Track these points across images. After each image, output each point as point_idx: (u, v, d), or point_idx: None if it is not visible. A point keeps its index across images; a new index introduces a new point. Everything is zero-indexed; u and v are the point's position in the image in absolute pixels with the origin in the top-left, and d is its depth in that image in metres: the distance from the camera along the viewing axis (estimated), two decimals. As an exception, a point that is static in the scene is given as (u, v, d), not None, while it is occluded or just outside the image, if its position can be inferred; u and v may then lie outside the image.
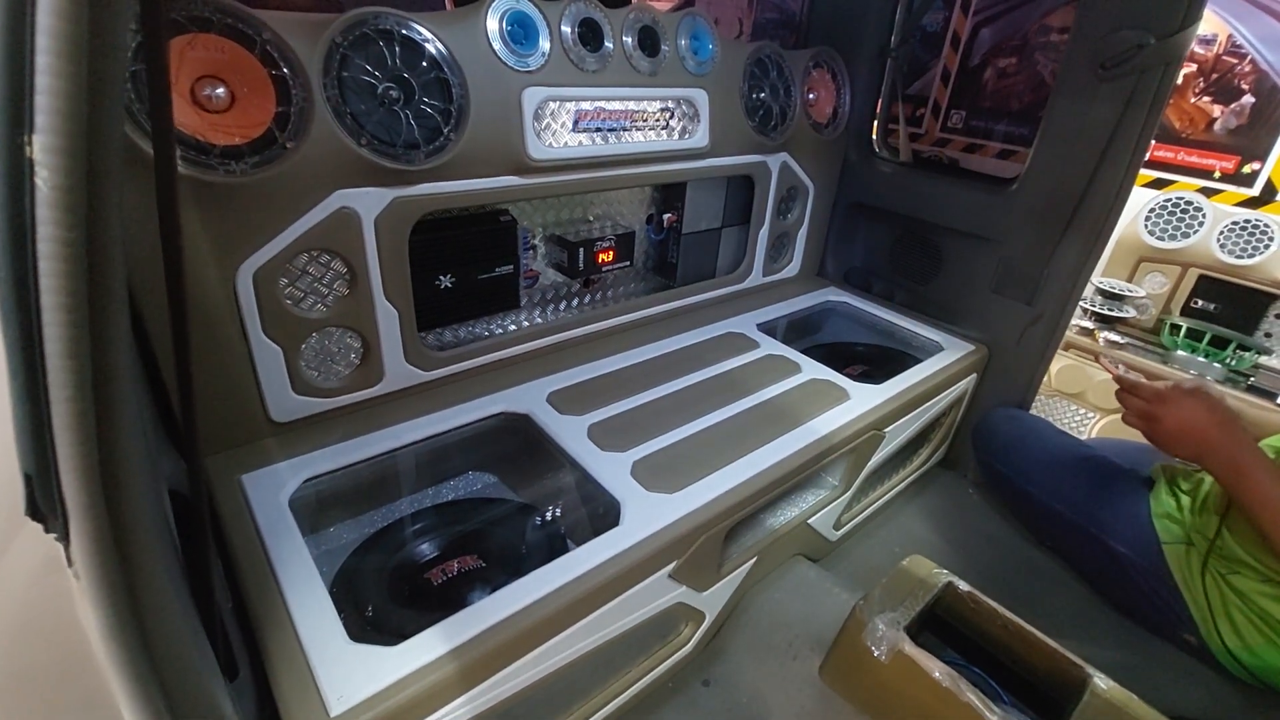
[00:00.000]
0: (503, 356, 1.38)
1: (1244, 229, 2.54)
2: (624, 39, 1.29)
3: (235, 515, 0.96)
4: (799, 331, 1.91)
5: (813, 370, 1.49)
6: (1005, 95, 3.47)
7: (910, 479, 1.72)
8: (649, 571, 0.98)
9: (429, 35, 1.05)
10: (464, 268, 1.27)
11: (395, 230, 1.11)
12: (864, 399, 1.40)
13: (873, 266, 2.00)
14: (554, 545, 1.12)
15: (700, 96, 1.44)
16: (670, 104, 1.40)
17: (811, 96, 1.71)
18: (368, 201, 1.06)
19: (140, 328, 0.93)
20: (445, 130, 1.09)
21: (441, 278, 1.25)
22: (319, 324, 1.10)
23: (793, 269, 1.98)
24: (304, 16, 0.96)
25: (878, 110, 1.89)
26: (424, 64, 1.05)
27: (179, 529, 0.69)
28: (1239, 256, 2.54)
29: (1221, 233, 2.54)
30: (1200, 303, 2.67)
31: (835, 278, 2.07)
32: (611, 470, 1.11)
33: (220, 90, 0.90)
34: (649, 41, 1.33)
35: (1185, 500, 1.32)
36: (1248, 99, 2.53)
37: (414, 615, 0.97)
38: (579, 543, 0.97)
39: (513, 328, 1.47)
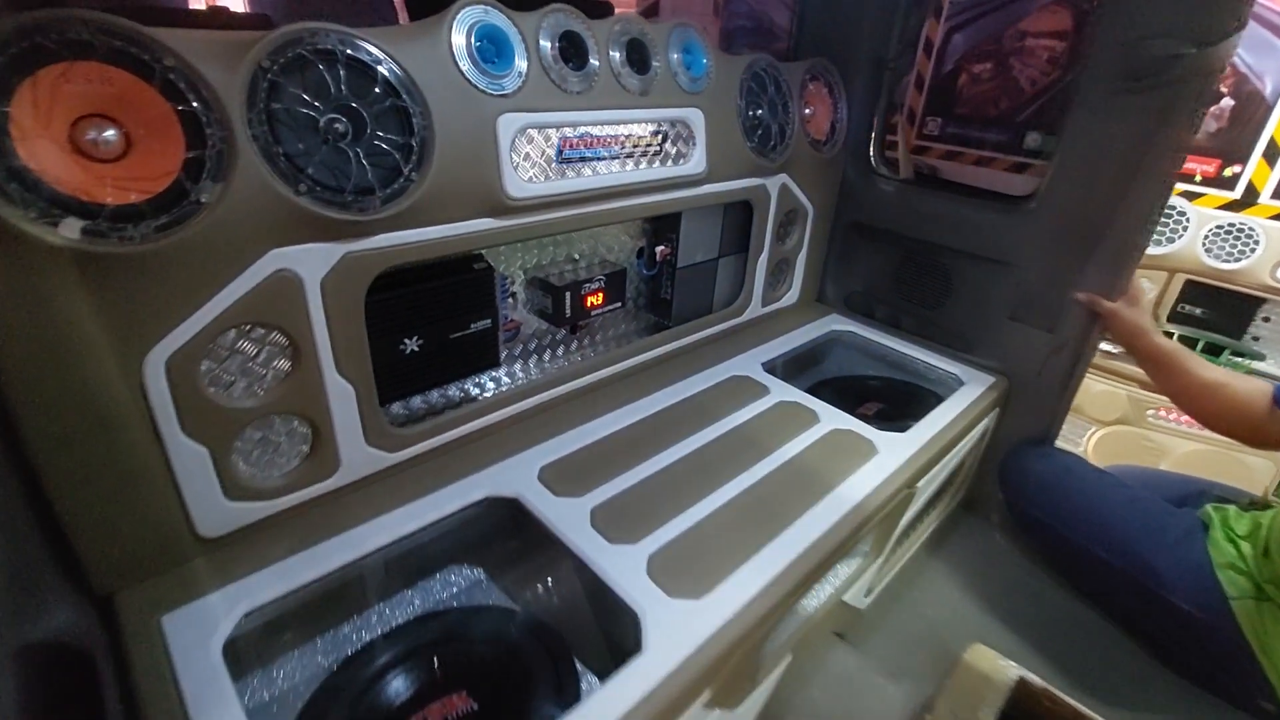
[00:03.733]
0: (482, 425, 1.18)
1: (1229, 233, 2.50)
2: (610, 54, 1.12)
3: (151, 673, 0.75)
4: (806, 367, 1.75)
5: (832, 419, 1.33)
6: (981, 102, 3.41)
7: (931, 527, 1.58)
8: (682, 706, 0.80)
9: (381, 55, 0.85)
10: (434, 326, 1.07)
11: (347, 292, 0.91)
12: (893, 451, 1.24)
13: (875, 291, 1.86)
14: (562, 674, 0.92)
15: (695, 117, 1.27)
16: (664, 126, 1.23)
17: (808, 112, 1.57)
18: (311, 261, 0.86)
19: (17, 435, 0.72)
20: (405, 169, 0.89)
21: (407, 341, 1.05)
22: (255, 414, 0.89)
23: (792, 297, 1.83)
24: (219, 36, 0.75)
25: (874, 124, 1.75)
26: (377, 90, 0.85)
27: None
28: (1225, 260, 2.50)
29: (1206, 237, 2.50)
30: (1187, 308, 2.62)
31: (836, 303, 1.93)
32: (624, 569, 0.92)
33: (110, 133, 0.69)
34: (638, 56, 1.15)
35: (1245, 547, 1.19)
36: (1227, 101, 2.49)
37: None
38: (592, 666, 0.78)
39: (492, 389, 1.27)
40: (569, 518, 1.01)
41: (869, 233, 1.82)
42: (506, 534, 1.12)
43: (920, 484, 1.27)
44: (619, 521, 1.01)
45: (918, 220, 1.68)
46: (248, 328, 0.85)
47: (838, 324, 1.79)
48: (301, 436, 0.96)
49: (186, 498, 0.86)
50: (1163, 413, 2.60)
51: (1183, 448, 2.56)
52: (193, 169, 0.73)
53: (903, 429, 1.35)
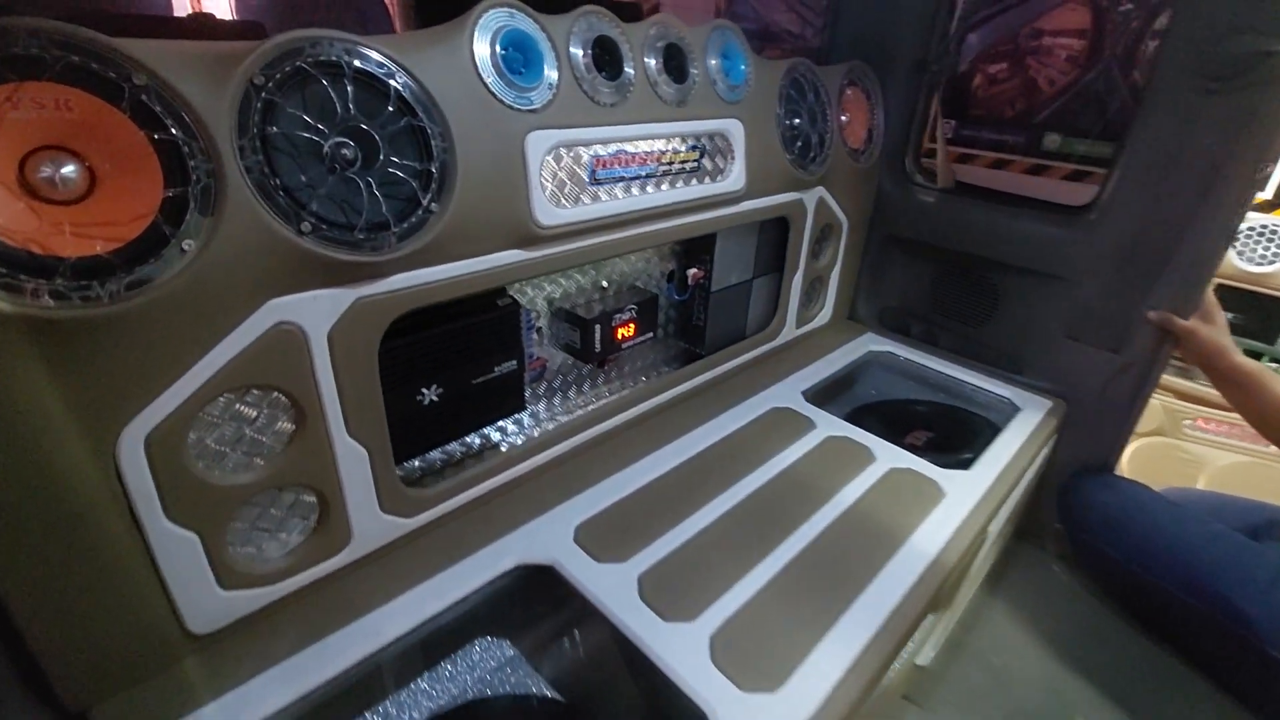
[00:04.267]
0: (508, 479, 1.05)
1: (1261, 235, 2.41)
2: (646, 61, 0.99)
3: None
4: (847, 393, 1.63)
5: (887, 455, 1.21)
6: (997, 102, 3.31)
7: (989, 563, 1.46)
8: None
9: (394, 67, 0.72)
10: (455, 372, 0.94)
11: (358, 344, 0.78)
12: (961, 492, 1.13)
13: (911, 307, 1.74)
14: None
15: (734, 128, 1.15)
16: (701, 140, 1.11)
17: (844, 119, 1.45)
18: (316, 311, 0.73)
19: None
20: (424, 199, 0.77)
21: (425, 390, 0.92)
22: (253, 489, 0.76)
23: (825, 316, 1.71)
24: (203, 48, 0.63)
25: (911, 131, 1.63)
26: (390, 108, 0.72)
27: None
28: (1257, 263, 2.41)
29: (1238, 239, 2.41)
30: (1220, 313, 2.52)
31: (869, 321, 1.81)
32: (685, 655, 0.80)
33: (69, 169, 0.56)
34: (675, 63, 1.03)
35: (1347, 589, 1.08)
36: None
37: None
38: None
39: (517, 436, 1.14)
40: (614, 588, 0.88)
41: (904, 246, 1.70)
42: (541, 604, 1.00)
43: (992, 526, 1.15)
44: (672, 592, 0.88)
45: (959, 232, 1.57)
46: (241, 391, 0.72)
47: (875, 344, 1.67)
48: (307, 507, 0.83)
49: (174, 591, 0.73)
50: (1200, 423, 2.50)
51: (1221, 460, 2.45)
52: (173, 210, 0.60)
53: (963, 463, 1.24)
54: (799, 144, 1.30)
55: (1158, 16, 2.87)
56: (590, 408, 1.22)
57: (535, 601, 0.99)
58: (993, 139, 3.28)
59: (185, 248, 0.61)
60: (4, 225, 0.53)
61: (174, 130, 0.59)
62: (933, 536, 1.02)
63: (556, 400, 1.24)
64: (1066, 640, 1.35)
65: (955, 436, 1.45)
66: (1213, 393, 2.16)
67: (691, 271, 1.32)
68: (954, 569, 0.99)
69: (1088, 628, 1.38)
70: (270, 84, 0.64)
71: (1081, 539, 1.41)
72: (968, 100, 3.31)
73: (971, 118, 3.35)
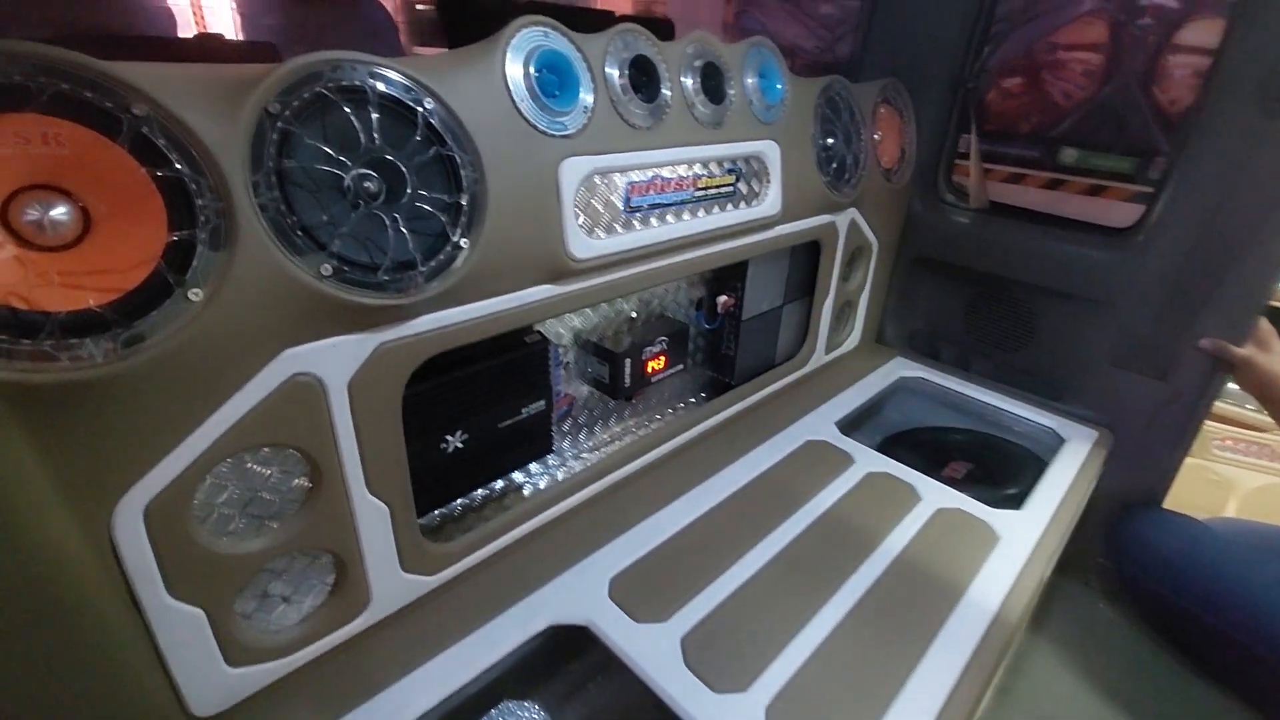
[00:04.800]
0: (534, 527, 0.97)
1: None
2: (683, 81, 0.93)
3: None
4: (876, 419, 1.56)
5: (933, 494, 1.14)
6: (1012, 117, 3.27)
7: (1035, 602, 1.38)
8: None
9: (421, 92, 0.66)
10: (481, 416, 0.87)
11: (381, 394, 0.71)
12: (1016, 535, 1.06)
13: (941, 330, 1.68)
14: None
15: (770, 151, 1.09)
16: (738, 164, 1.04)
17: (876, 138, 1.39)
18: (335, 360, 0.66)
19: None
20: (454, 235, 0.70)
21: (449, 438, 0.85)
22: (264, 557, 0.68)
23: (853, 340, 1.64)
24: (211, 73, 0.56)
25: (944, 150, 1.57)
26: (417, 137, 0.65)
27: None
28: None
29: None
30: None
31: (898, 344, 1.74)
32: None
33: (60, 211, 0.49)
34: (713, 83, 0.97)
35: None
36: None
37: None
38: None
39: (541, 477, 1.07)
40: (656, 653, 0.81)
41: (935, 267, 1.63)
42: (575, 667, 0.92)
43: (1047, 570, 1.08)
44: (720, 657, 0.81)
45: (994, 254, 1.50)
46: (253, 451, 0.65)
47: (905, 369, 1.60)
48: (322, 569, 0.76)
49: (176, 673, 0.66)
50: (1229, 443, 2.43)
51: (1253, 482, 2.38)
52: (178, 255, 0.53)
53: (1011, 500, 1.17)
54: (834, 165, 1.23)
55: (1178, 30, 2.84)
56: (617, 445, 1.14)
57: (568, 664, 0.91)
58: (1007, 153, 3.24)
59: (192, 297, 0.54)
60: (-17, 278, 0.46)
61: (179, 165, 0.52)
62: (992, 587, 0.95)
63: (581, 437, 1.16)
64: (1121, 686, 1.27)
65: (996, 468, 1.38)
66: (1243, 412, 2.10)
67: (721, 299, 1.25)
68: (1021, 620, 0.91)
69: (1144, 672, 1.31)
70: (287, 112, 0.57)
71: (1134, 578, 1.34)
72: (982, 115, 3.27)
73: (985, 132, 3.33)
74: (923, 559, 0.99)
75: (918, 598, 0.92)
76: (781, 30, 2.63)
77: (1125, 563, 1.35)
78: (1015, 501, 1.16)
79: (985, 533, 1.06)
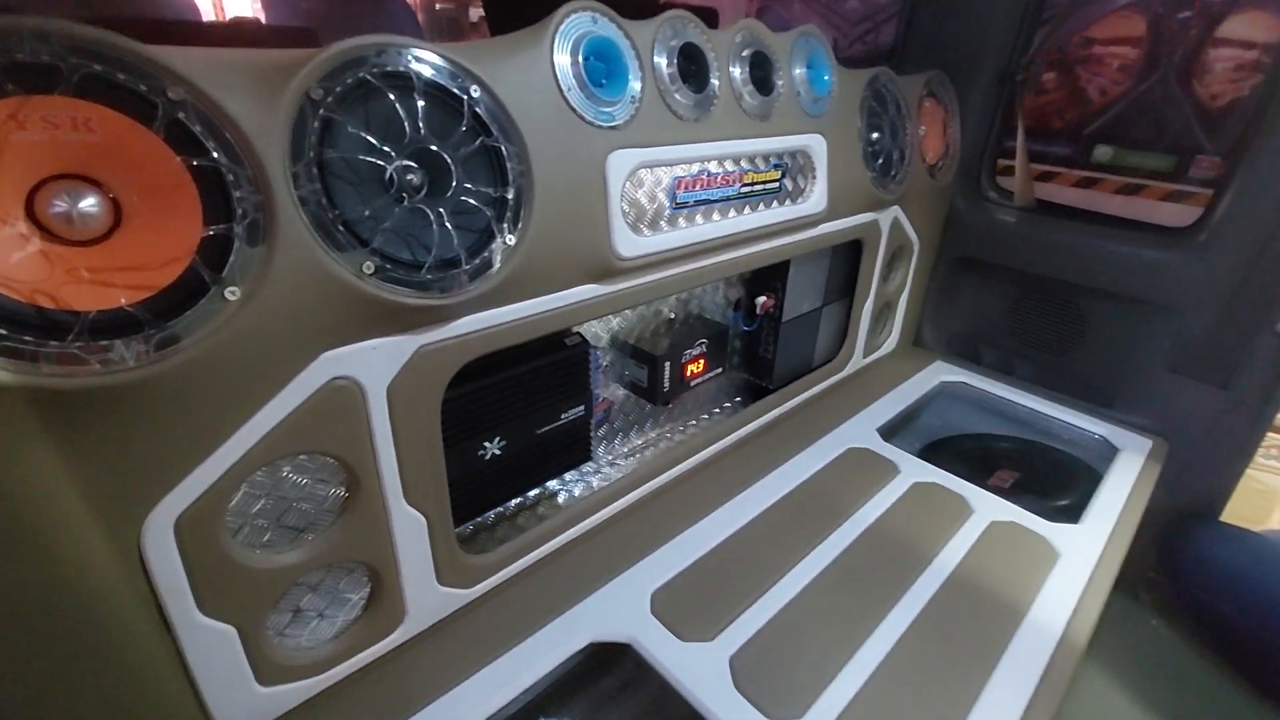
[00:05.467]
0: (572, 537, 0.93)
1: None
2: (731, 71, 0.88)
3: None
4: (915, 424, 1.51)
5: (986, 505, 1.09)
6: (1044, 113, 3.18)
7: None
8: None
9: (468, 78, 0.62)
10: (520, 422, 0.83)
11: (421, 398, 0.67)
12: (1077, 552, 1.00)
13: (983, 333, 1.61)
14: None
15: (817, 145, 1.04)
16: (784, 159, 0.99)
17: (921, 132, 1.33)
18: (375, 363, 0.62)
19: None
20: (499, 231, 0.66)
21: (487, 445, 0.81)
22: (299, 571, 0.64)
23: (891, 343, 1.59)
24: (249, 57, 0.52)
25: (988, 146, 1.51)
26: (463, 127, 0.61)
27: None
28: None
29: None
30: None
31: (937, 347, 1.68)
32: None
33: (89, 202, 0.45)
34: (761, 74, 0.92)
35: None
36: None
37: None
38: None
39: (575, 483, 1.03)
40: (704, 675, 0.76)
41: (977, 268, 1.58)
42: (615, 685, 0.88)
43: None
44: (772, 679, 0.76)
45: (1042, 254, 1.44)
46: (289, 459, 0.61)
47: (946, 373, 1.55)
48: (357, 583, 0.72)
49: (206, 693, 0.62)
50: (1275, 452, 2.34)
51: (1301, 492, 2.29)
52: (214, 251, 0.49)
53: (1066, 513, 1.11)
54: (880, 160, 1.18)
55: (1220, 23, 2.74)
56: (654, 452, 1.10)
57: (604, 679, 0.87)
58: (1037, 151, 3.15)
59: (229, 296, 0.50)
60: (7, 275, 0.42)
61: (216, 155, 0.49)
62: (1055, 608, 0.90)
63: (616, 442, 1.12)
64: (1174, 706, 1.20)
65: (1046, 478, 1.32)
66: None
67: (761, 300, 1.20)
68: (1087, 643, 0.86)
69: (1199, 692, 1.24)
70: (330, 98, 0.54)
71: (1191, 594, 1.27)
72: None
73: (1010, 143, 3.26)
74: (979, 576, 0.94)
75: (977, 619, 0.87)
76: (804, 24, 2.57)
77: (1181, 578, 1.29)
78: (1068, 513, 1.11)
79: (1044, 548, 1.00)
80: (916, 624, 0.85)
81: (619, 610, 0.85)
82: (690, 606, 0.85)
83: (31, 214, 0.44)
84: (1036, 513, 1.08)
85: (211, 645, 0.60)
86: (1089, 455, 1.34)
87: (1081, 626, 0.87)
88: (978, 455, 1.40)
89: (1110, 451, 1.30)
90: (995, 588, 0.92)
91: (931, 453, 1.40)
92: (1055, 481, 1.30)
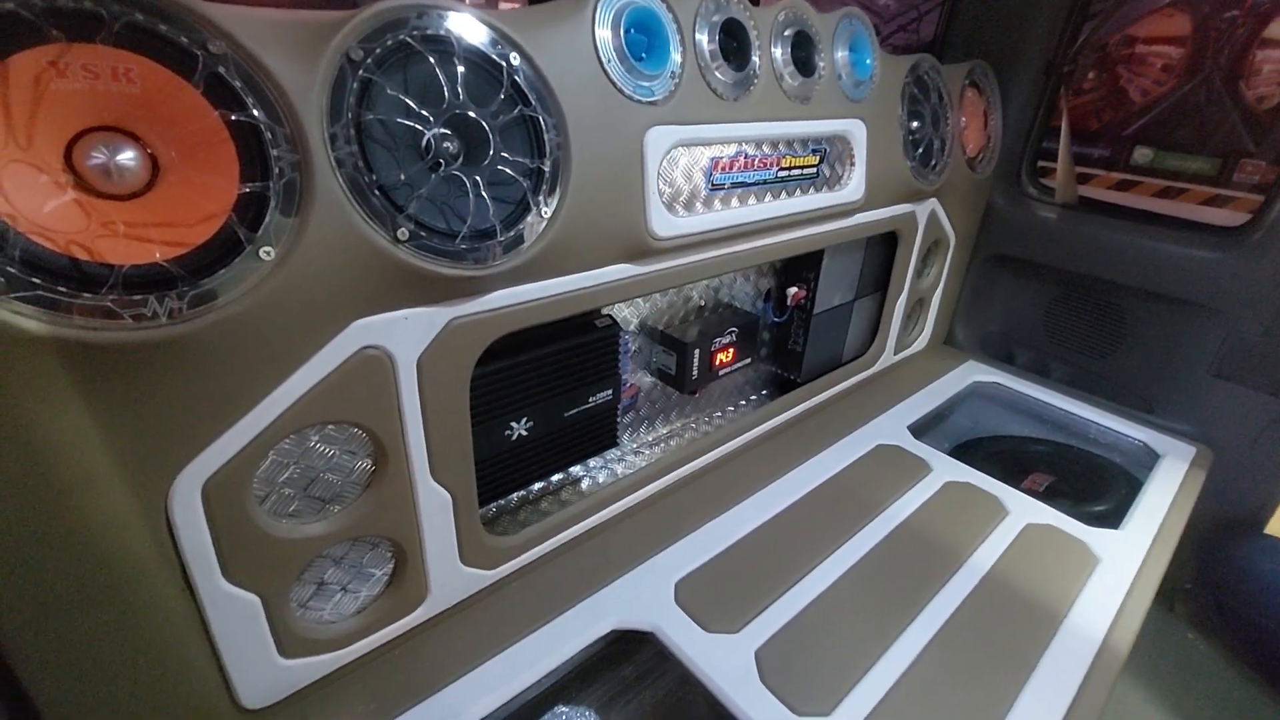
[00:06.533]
0: (596, 523, 0.92)
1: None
2: (772, 51, 0.86)
3: None
4: (944, 425, 1.47)
5: (1022, 507, 1.05)
6: (1081, 114, 3.10)
7: None
8: None
9: (507, 46, 0.60)
10: (548, 403, 0.82)
11: (450, 372, 0.66)
12: (1118, 558, 0.96)
13: (1018, 334, 1.57)
14: None
15: (857, 130, 1.01)
16: (823, 144, 0.97)
17: (962, 124, 1.30)
18: (406, 334, 0.61)
19: None
20: (535, 203, 0.64)
21: (514, 425, 0.79)
22: (325, 542, 0.64)
23: (923, 341, 1.55)
24: (288, 15, 0.51)
25: (1029, 140, 1.47)
26: (501, 95, 0.60)
27: None
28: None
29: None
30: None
31: (969, 347, 1.64)
32: None
33: (127, 156, 0.44)
34: (803, 54, 0.90)
35: None
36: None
37: None
38: None
39: (599, 470, 1.01)
40: (729, 667, 0.74)
41: (1013, 265, 1.53)
42: (636, 674, 0.86)
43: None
44: (799, 675, 0.74)
45: (1083, 252, 1.40)
46: (318, 428, 0.60)
47: (979, 373, 1.51)
48: (380, 559, 0.71)
49: (227, 661, 0.61)
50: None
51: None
52: (250, 209, 0.48)
53: (1105, 518, 1.07)
54: (919, 150, 1.15)
55: (1268, 24, 2.65)
56: (680, 441, 1.08)
57: (629, 669, 0.86)
58: (1076, 152, 3.07)
59: (264, 255, 0.49)
60: (44, 224, 0.42)
61: (256, 112, 0.48)
62: (1095, 615, 0.86)
63: (642, 430, 1.11)
64: (1214, 723, 1.16)
65: (1081, 483, 1.28)
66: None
67: (792, 291, 1.18)
68: (1128, 653, 0.83)
69: (1238, 708, 1.20)
70: (369, 59, 0.53)
71: (1233, 608, 1.22)
72: (1050, 111, 3.13)
73: (1052, 128, 3.20)
74: (1014, 579, 0.91)
75: (1012, 623, 0.84)
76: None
77: (1222, 590, 1.24)
78: (1105, 520, 1.07)
79: (1082, 553, 0.97)
80: (949, 625, 0.83)
81: (642, 598, 0.83)
82: (715, 597, 0.83)
83: (70, 165, 0.44)
84: (1073, 517, 1.04)
85: (235, 613, 0.59)
86: (1127, 461, 1.30)
87: (1123, 636, 0.84)
88: (1010, 457, 1.36)
89: (1151, 458, 1.26)
90: (1032, 591, 0.89)
91: (962, 453, 1.37)
92: (1091, 487, 1.25)
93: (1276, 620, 1.16)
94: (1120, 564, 0.95)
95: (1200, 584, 1.30)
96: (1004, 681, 0.76)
